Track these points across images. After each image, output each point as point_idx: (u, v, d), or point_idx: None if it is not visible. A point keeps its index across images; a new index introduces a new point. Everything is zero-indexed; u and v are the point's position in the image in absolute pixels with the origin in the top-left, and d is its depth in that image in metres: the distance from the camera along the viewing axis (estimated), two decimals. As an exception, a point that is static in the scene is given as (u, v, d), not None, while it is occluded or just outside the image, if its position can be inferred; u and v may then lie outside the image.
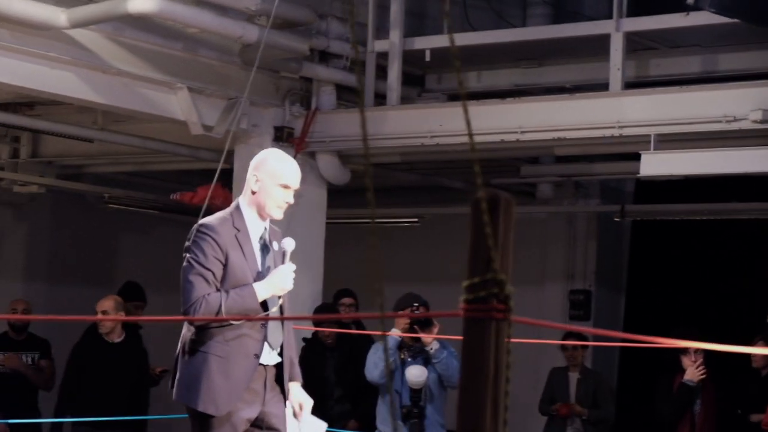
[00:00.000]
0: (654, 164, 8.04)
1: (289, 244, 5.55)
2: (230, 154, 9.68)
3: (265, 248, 5.59)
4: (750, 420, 9.01)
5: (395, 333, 8.25)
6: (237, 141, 9.37)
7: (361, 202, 12.67)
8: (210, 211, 9.41)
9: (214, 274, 5.40)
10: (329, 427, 9.01)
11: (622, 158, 10.42)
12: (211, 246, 5.40)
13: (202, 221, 5.54)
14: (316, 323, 9.56)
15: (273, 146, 9.43)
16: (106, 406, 8.92)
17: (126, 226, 12.92)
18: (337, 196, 10.26)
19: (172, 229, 12.50)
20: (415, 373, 8.11)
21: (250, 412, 5.50)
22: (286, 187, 5.56)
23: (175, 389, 5.55)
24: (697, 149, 8.04)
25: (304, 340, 9.46)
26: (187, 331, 5.54)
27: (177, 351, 5.61)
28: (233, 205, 5.65)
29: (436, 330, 8.25)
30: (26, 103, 9.75)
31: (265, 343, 5.51)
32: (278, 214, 5.60)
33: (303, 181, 9.56)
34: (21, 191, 11.11)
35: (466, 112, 2.76)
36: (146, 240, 12.71)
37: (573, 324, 11.78)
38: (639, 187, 11.64)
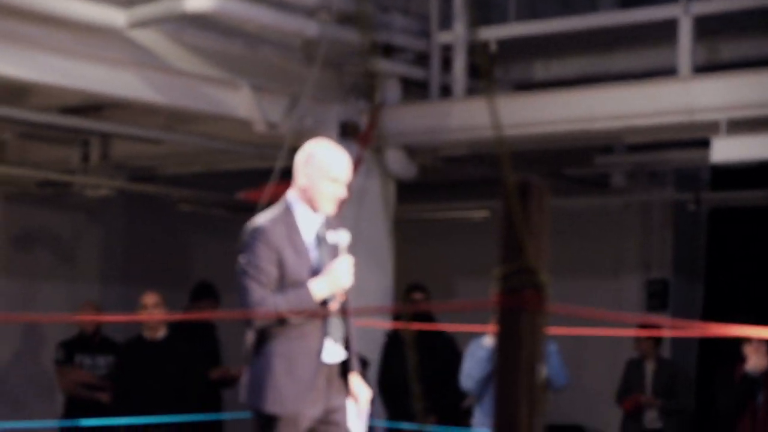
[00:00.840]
0: (725, 149, 7.85)
1: (342, 237, 5.44)
2: (295, 151, 9.64)
3: (320, 243, 5.47)
4: None
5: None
6: (302, 138, 9.24)
7: (430, 196, 12.68)
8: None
9: (269, 276, 5.31)
10: (410, 422, 8.96)
11: (696, 145, 10.24)
12: (263, 248, 5.30)
13: (253, 223, 5.45)
14: (395, 318, 9.48)
15: (339, 141, 9.40)
16: (151, 406, 8.91)
17: (199, 227, 12.96)
18: (405, 190, 10.17)
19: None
20: None
21: (315, 411, 5.43)
22: (335, 180, 5.45)
23: (242, 392, 5.51)
24: (769, 133, 7.82)
25: (386, 335, 9.43)
26: (250, 337, 5.47)
27: (244, 353, 5.57)
28: (283, 200, 5.54)
29: None
30: (94, 106, 9.75)
31: (328, 340, 5.42)
32: (330, 209, 5.50)
33: (370, 176, 9.66)
34: (93, 195, 11.14)
35: (491, 104, 2.67)
36: (219, 240, 12.72)
37: (652, 314, 11.57)
38: (715, 174, 11.42)
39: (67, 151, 10.83)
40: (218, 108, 8.68)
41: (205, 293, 10.32)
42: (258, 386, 5.39)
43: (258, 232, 5.37)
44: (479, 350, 7.96)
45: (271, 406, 5.34)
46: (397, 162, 9.63)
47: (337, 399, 5.50)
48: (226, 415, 9.85)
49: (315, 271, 5.39)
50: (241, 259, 5.37)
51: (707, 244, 11.77)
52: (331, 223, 5.59)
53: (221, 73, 8.49)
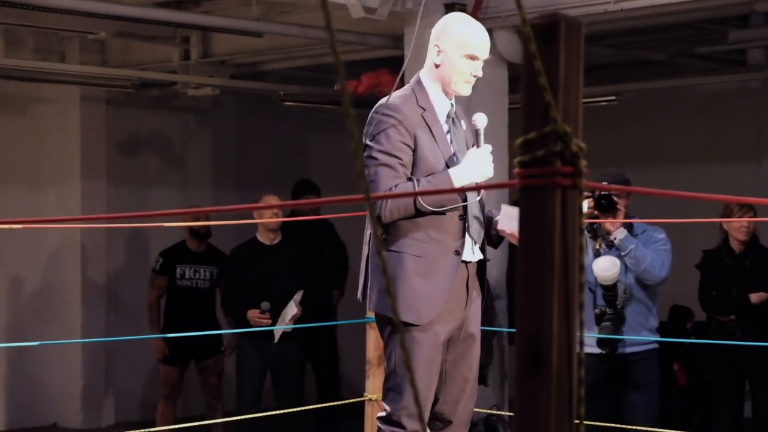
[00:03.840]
0: None
1: (481, 120, 4.82)
2: (396, 38, 9.07)
3: (453, 128, 4.88)
4: None
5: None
6: (405, 23, 8.72)
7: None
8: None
9: (402, 161, 4.69)
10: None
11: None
12: (396, 129, 4.69)
13: (381, 102, 4.82)
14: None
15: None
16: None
17: (313, 125, 12.45)
18: (519, 79, 9.51)
19: (360, 124, 11.99)
20: (602, 266, 6.95)
21: (454, 322, 4.81)
22: (473, 57, 4.83)
23: (367, 297, 4.88)
24: None
25: None
26: (375, 229, 4.88)
27: (364, 253, 4.92)
28: (414, 80, 4.94)
29: (622, 215, 7.10)
30: (191, 0, 9.30)
31: (467, 237, 4.79)
32: (466, 90, 4.88)
33: (480, 61, 9.01)
34: (195, 94, 10.70)
35: None
36: (334, 138, 12.22)
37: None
38: None
39: (167, 49, 10.40)
40: (312, -6, 8.12)
41: (307, 190, 9.79)
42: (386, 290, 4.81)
43: (389, 110, 4.75)
44: None
45: (404, 314, 4.70)
46: (509, 44, 8.95)
47: (474, 310, 4.89)
48: (338, 322, 9.42)
49: (452, 160, 4.78)
50: (369, 143, 4.74)
51: None
52: (459, 110, 5.00)
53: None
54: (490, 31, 8.81)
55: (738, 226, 8.04)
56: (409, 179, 4.71)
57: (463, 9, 8.76)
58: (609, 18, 8.49)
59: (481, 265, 4.92)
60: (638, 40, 10.45)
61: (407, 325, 4.73)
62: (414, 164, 4.73)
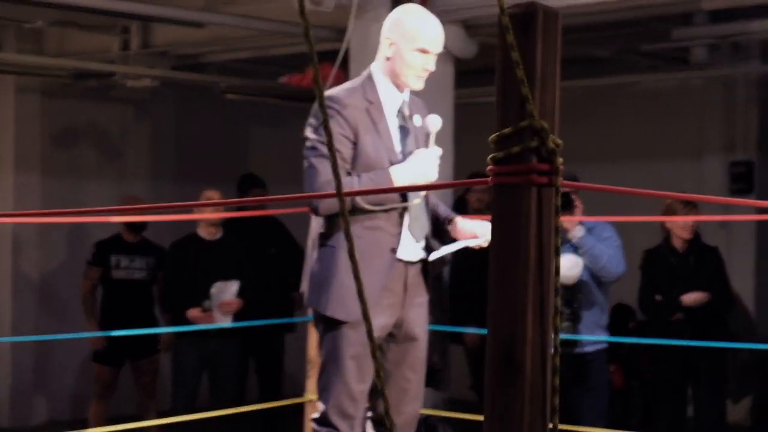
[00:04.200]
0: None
1: (434, 122, 4.72)
2: (342, 31, 8.95)
3: (404, 126, 4.76)
4: None
5: None
6: (349, 16, 8.61)
7: (492, 80, 11.79)
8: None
9: (341, 153, 4.59)
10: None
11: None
12: (337, 122, 4.58)
13: (328, 93, 4.68)
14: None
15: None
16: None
17: (254, 118, 12.28)
18: (464, 74, 9.43)
19: (302, 118, 11.83)
20: (565, 265, 6.86)
21: (387, 319, 4.70)
22: (424, 51, 4.72)
23: (305, 291, 4.79)
24: None
25: None
26: (315, 224, 4.74)
27: (307, 247, 4.85)
28: (365, 73, 4.81)
29: (579, 212, 7.08)
30: (132, -11, 9.12)
31: (406, 234, 4.68)
32: (417, 84, 4.76)
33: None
34: (135, 85, 10.49)
35: None
36: (275, 132, 12.07)
37: (736, 197, 10.76)
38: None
39: (106, 39, 10.19)
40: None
41: (252, 184, 9.63)
42: (320, 285, 4.67)
43: (331, 101, 4.62)
44: None
45: (333, 310, 4.63)
46: (456, 39, 8.85)
47: (414, 310, 4.78)
48: (281, 320, 9.29)
49: (397, 158, 4.67)
50: (309, 134, 4.66)
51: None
52: (416, 104, 4.88)
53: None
54: (436, 26, 8.83)
55: (682, 224, 8.01)
56: (348, 174, 4.61)
57: (410, 3, 8.67)
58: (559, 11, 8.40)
59: (424, 264, 4.82)
60: (583, 36, 10.40)
61: (338, 321, 4.65)
62: (354, 158, 4.64)
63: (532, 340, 1.84)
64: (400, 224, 4.68)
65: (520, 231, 1.86)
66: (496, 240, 1.91)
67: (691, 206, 8.02)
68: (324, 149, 4.57)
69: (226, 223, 8.80)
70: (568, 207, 6.93)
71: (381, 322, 4.67)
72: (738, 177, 10.82)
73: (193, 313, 8.35)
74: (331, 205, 4.58)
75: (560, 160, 1.92)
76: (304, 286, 4.81)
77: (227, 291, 8.35)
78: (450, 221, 4.87)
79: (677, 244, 8.16)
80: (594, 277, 7.09)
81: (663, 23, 10.09)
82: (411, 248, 4.73)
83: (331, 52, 9.36)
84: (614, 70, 10.95)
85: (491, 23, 8.92)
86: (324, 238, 4.68)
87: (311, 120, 4.71)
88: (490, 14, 8.64)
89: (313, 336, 6.67)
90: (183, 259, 8.63)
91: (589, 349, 7.22)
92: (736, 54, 10.81)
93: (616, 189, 2.70)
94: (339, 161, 4.60)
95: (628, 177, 10.74)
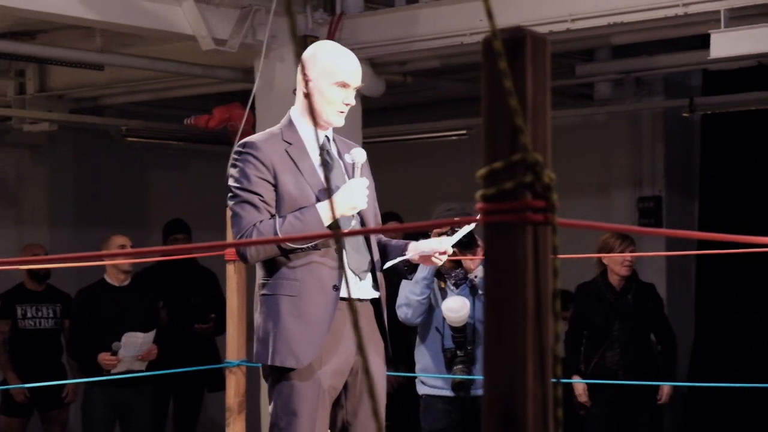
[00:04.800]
0: (726, 44, 6.97)
1: (358, 155, 4.57)
2: (247, 72, 8.80)
3: (328, 164, 4.61)
4: None
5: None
6: (256, 56, 8.45)
7: (399, 117, 11.82)
8: (234, 136, 8.46)
9: (262, 197, 4.43)
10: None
11: (687, 48, 9.46)
12: (253, 165, 4.44)
13: (242, 140, 4.59)
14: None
15: (296, 58, 8.51)
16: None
17: (156, 162, 12.01)
18: (372, 113, 9.32)
19: (206, 161, 11.65)
20: (452, 306, 6.60)
21: (341, 365, 4.46)
22: (344, 85, 4.58)
23: (254, 349, 4.56)
24: (776, 23, 6.91)
25: None
26: (258, 277, 4.55)
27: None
28: (285, 118, 4.66)
29: (481, 251, 6.71)
30: (27, 32, 8.84)
31: (348, 271, 4.46)
32: (338, 120, 4.61)
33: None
34: (32, 130, 10.20)
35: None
36: (179, 175, 11.82)
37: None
38: (706, 80, 10.57)
39: (2, 83, 9.94)
40: (160, 24, 7.77)
41: (177, 229, 9.38)
42: (265, 335, 4.44)
43: (246, 148, 4.49)
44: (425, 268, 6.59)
45: (282, 359, 4.40)
46: (364, 77, 8.73)
47: (370, 354, 4.52)
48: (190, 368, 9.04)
49: (322, 194, 4.49)
50: (230, 182, 4.51)
51: (701, 157, 10.89)
52: (341, 141, 4.74)
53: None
54: (343, 64, 8.72)
55: (621, 260, 7.93)
56: (272, 216, 4.45)
57: (314, 40, 8.54)
58: (461, 51, 8.37)
59: (377, 304, 4.61)
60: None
61: (287, 370, 4.43)
62: (277, 201, 4.48)
63: (534, 392, 1.69)
64: (339, 260, 4.51)
65: (516, 274, 1.71)
66: (490, 284, 1.76)
67: (628, 242, 7.97)
68: (244, 195, 4.44)
69: (141, 271, 8.57)
70: (471, 245, 6.72)
71: (333, 367, 4.46)
72: (646, 212, 10.82)
73: (104, 357, 8.06)
74: (258, 250, 4.41)
75: (555, 196, 1.78)
76: (254, 344, 4.57)
77: (139, 341, 8.10)
78: (405, 246, 4.64)
79: (614, 280, 8.07)
80: None
81: (566, 59, 10.10)
82: (355, 285, 4.52)
83: (238, 93, 9.22)
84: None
85: (398, 61, 8.85)
86: (263, 287, 4.51)
87: (229, 169, 4.56)
88: (397, 51, 8.57)
89: (232, 383, 6.47)
90: (91, 306, 8.36)
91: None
92: (640, 89, 10.87)
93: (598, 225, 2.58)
94: (261, 204, 4.44)
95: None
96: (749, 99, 9.85)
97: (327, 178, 4.69)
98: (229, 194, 4.52)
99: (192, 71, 8.84)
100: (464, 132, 11.08)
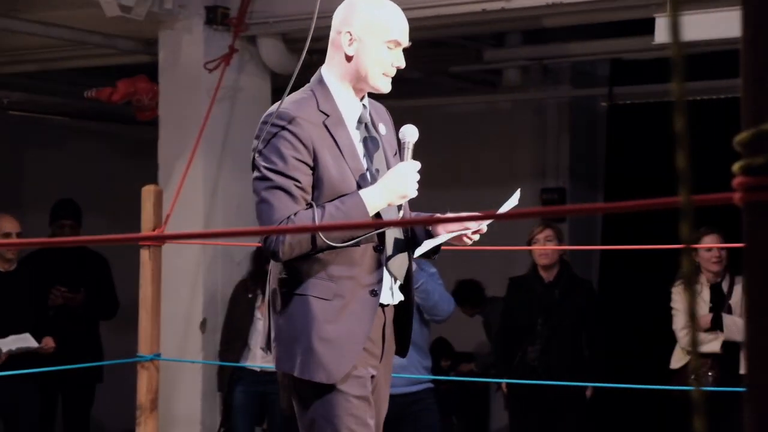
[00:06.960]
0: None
1: (410, 133, 3.90)
2: (151, 43, 8.25)
3: (368, 138, 3.93)
4: None
5: None
6: (161, 26, 7.94)
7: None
8: (139, 111, 7.79)
9: (299, 183, 3.73)
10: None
11: (598, 37, 9.19)
12: (290, 144, 3.73)
13: (273, 109, 3.82)
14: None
15: (205, 30, 7.99)
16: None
17: (34, 138, 11.26)
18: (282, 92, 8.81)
19: (90, 139, 11.04)
20: None
21: (363, 372, 3.86)
22: (396, 44, 3.87)
23: (272, 353, 3.89)
24: (724, 8, 6.59)
25: None
26: (275, 270, 3.85)
27: (266, 299, 3.96)
28: (315, 79, 3.95)
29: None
30: None
31: (385, 273, 3.86)
32: (386, 85, 3.89)
33: (243, 71, 8.28)
34: None
35: None
36: (59, 154, 11.12)
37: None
38: (614, 71, 10.32)
39: None
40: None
41: (64, 213, 8.72)
42: (290, 341, 3.79)
43: (281, 119, 3.77)
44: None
45: (312, 373, 3.75)
46: (274, 53, 8.25)
47: (385, 365, 3.98)
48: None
49: (365, 179, 3.85)
50: (259, 160, 3.78)
51: (607, 149, 10.61)
52: (378, 111, 4.04)
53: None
54: (253, 39, 8.21)
55: (539, 251, 7.60)
56: (309, 205, 3.77)
57: (225, 13, 8.04)
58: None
59: (403, 309, 4.03)
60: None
61: (316, 385, 3.80)
62: (315, 186, 3.80)
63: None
64: (379, 260, 3.87)
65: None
66: (751, 277, 1.33)
67: (549, 230, 7.65)
68: (278, 179, 3.74)
69: (28, 257, 7.93)
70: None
71: (360, 373, 3.86)
72: (550, 203, 10.52)
73: None
74: (292, 246, 3.73)
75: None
76: (266, 341, 3.93)
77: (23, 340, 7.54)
78: (429, 224, 3.98)
79: (543, 273, 7.73)
80: (420, 315, 6.53)
81: (475, 43, 9.75)
82: (390, 289, 3.94)
83: (140, 66, 8.63)
84: (425, 91, 10.51)
85: (314, 37, 8.36)
86: (287, 284, 3.83)
87: (255, 143, 3.83)
88: (308, 26, 8.07)
89: (144, 379, 5.97)
90: None
91: (413, 389, 6.69)
92: (546, 78, 10.57)
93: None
94: (298, 191, 3.76)
95: (434, 204, 10.29)
96: (660, 90, 9.63)
97: (386, 159, 3.99)
98: (257, 174, 3.79)
99: (91, 40, 8.22)
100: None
